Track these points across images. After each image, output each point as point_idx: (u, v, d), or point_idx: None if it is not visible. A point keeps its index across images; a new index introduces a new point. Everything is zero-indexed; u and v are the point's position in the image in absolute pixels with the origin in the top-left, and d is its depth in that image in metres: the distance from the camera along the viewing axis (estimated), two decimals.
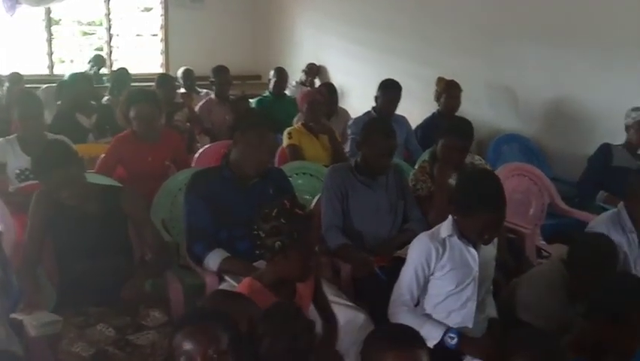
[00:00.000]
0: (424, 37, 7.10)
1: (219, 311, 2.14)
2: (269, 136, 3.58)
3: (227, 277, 3.31)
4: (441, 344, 2.78)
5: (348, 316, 3.16)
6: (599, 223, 3.58)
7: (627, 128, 5.05)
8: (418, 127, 6.01)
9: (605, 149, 4.99)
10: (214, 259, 3.32)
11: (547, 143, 5.90)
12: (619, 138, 5.07)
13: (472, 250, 2.88)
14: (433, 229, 2.98)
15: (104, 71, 8.71)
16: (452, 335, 2.78)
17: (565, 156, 5.71)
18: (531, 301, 3.06)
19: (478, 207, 2.74)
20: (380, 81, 5.76)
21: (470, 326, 2.92)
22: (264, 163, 3.53)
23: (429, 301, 2.97)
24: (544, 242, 4.60)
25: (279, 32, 9.47)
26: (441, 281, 2.90)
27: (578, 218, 4.64)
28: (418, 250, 2.91)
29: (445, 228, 2.90)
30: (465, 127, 4.01)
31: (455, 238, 2.87)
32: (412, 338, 2.06)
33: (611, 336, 2.39)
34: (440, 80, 6.03)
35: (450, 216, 2.91)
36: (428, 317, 2.93)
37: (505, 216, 2.87)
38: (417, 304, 2.99)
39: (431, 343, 2.75)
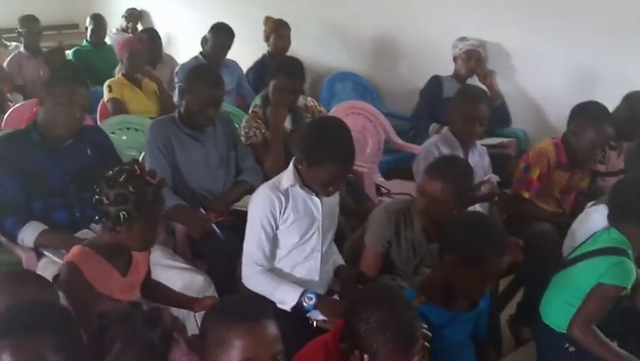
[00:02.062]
0: None
1: (52, 313, 1.79)
2: (80, 91, 3.20)
3: (46, 252, 2.99)
4: (297, 306, 2.62)
5: (185, 279, 2.98)
6: (430, 144, 3.65)
7: (455, 59, 5.11)
8: (249, 70, 5.77)
9: (435, 81, 5.03)
10: (29, 234, 2.97)
11: (379, 79, 5.89)
12: (449, 69, 5.11)
13: (316, 198, 2.72)
14: (273, 180, 2.78)
15: None
16: (310, 296, 2.61)
17: (396, 90, 5.73)
18: None
19: (326, 159, 2.56)
20: (209, 25, 5.46)
21: (316, 278, 2.78)
22: (76, 122, 3.17)
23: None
24: (382, 179, 4.58)
25: None
26: (285, 234, 2.72)
27: (414, 152, 4.63)
28: (260, 204, 2.70)
29: (287, 177, 2.71)
30: (294, 66, 3.83)
31: (297, 188, 2.69)
32: (258, 309, 1.85)
33: (461, 278, 2.30)
34: (268, 19, 5.79)
35: (291, 165, 2.73)
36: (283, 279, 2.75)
37: (350, 168, 2.73)
38: None
39: (288, 306, 2.61)
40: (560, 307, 2.66)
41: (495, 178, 3.59)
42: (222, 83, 3.53)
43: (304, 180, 2.69)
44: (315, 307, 2.59)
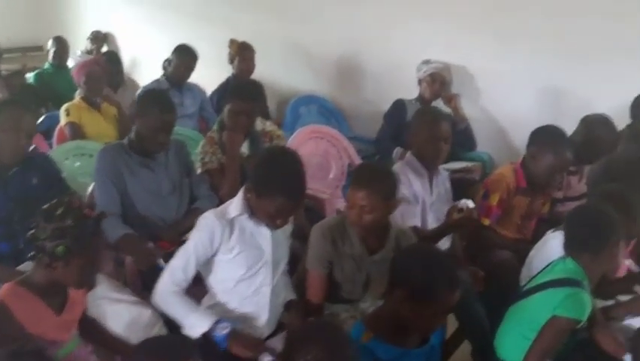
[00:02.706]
0: None
1: None
2: (26, 117, 3.11)
3: None
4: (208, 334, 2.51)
5: (132, 313, 2.86)
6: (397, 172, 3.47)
7: (419, 81, 5.07)
8: (214, 93, 5.69)
9: (399, 104, 4.97)
10: None
11: (345, 102, 5.84)
12: (415, 91, 5.07)
13: (265, 229, 2.62)
14: (222, 206, 2.69)
15: None
16: (225, 325, 2.50)
17: (363, 113, 5.68)
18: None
19: (274, 191, 2.47)
20: (173, 46, 5.39)
21: (265, 315, 2.68)
22: (21, 149, 3.08)
23: (219, 287, 2.68)
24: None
25: None
26: (230, 265, 2.62)
27: None
28: (201, 229, 2.60)
29: (234, 206, 2.62)
30: (249, 89, 3.76)
31: (245, 217, 2.60)
32: (184, 351, 1.76)
33: (411, 313, 2.20)
34: (232, 42, 5.72)
35: (240, 193, 2.64)
36: (207, 307, 2.66)
37: (301, 202, 2.65)
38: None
39: (198, 332, 2.49)
40: (514, 340, 2.58)
41: (470, 204, 3.47)
42: (174, 107, 3.43)
43: (253, 210, 2.60)
44: (226, 338, 2.48)
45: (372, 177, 2.69)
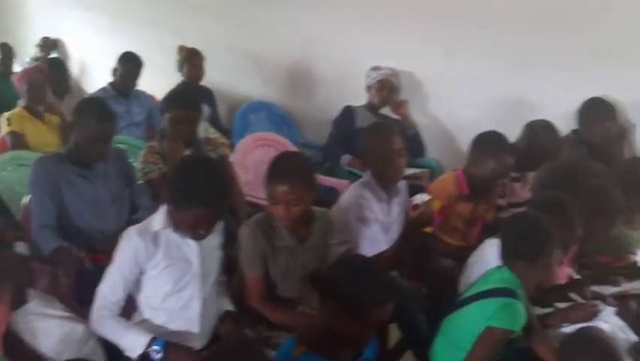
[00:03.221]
0: (164, 2, 6.64)
1: None
2: None
3: None
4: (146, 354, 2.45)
5: (64, 329, 2.73)
6: (355, 196, 3.33)
7: (368, 88, 5.05)
8: (163, 100, 5.58)
9: (348, 111, 4.95)
10: None
11: (296, 108, 5.79)
12: (364, 98, 5.05)
13: (191, 241, 2.56)
14: (144, 221, 2.63)
15: None
16: (156, 348, 2.43)
17: (313, 120, 5.64)
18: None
19: (191, 201, 2.43)
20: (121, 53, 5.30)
21: (196, 330, 2.61)
22: None
23: (147, 304, 2.62)
24: None
25: (7, 2, 8.45)
26: (157, 280, 2.55)
27: (327, 185, 4.53)
28: (124, 248, 2.54)
29: (158, 220, 2.56)
30: (188, 97, 3.71)
31: (169, 231, 2.54)
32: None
33: (343, 326, 2.16)
34: (181, 48, 5.63)
35: (165, 206, 2.58)
36: (136, 324, 2.59)
37: (221, 210, 2.59)
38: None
39: (135, 353, 2.44)
40: (450, 351, 2.54)
41: (425, 197, 3.40)
42: (112, 116, 3.35)
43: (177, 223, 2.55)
44: (163, 355, 2.43)
45: (291, 169, 2.67)
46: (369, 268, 2.26)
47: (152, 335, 2.47)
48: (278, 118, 5.67)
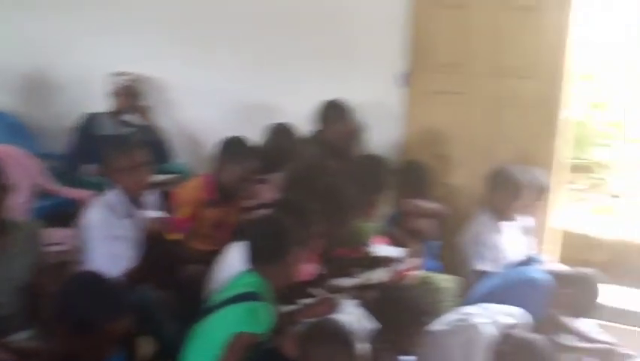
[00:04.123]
0: None
1: None
2: None
3: None
4: None
5: None
6: (100, 215, 3.16)
7: (111, 94, 4.87)
8: None
9: (87, 118, 4.75)
10: None
11: (32, 117, 5.40)
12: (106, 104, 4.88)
13: None
14: None
15: None
16: None
17: (53, 129, 5.30)
18: None
19: None
20: None
21: None
22: None
23: None
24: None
25: None
26: None
27: (69, 196, 4.28)
28: None
29: None
30: None
31: None
32: None
33: (77, 348, 2.08)
34: None
35: None
36: None
37: None
38: None
39: None
40: (200, 359, 2.54)
41: (153, 214, 3.32)
42: None
43: None
44: None
45: None
46: (96, 285, 2.20)
47: None
48: (12, 128, 5.22)
